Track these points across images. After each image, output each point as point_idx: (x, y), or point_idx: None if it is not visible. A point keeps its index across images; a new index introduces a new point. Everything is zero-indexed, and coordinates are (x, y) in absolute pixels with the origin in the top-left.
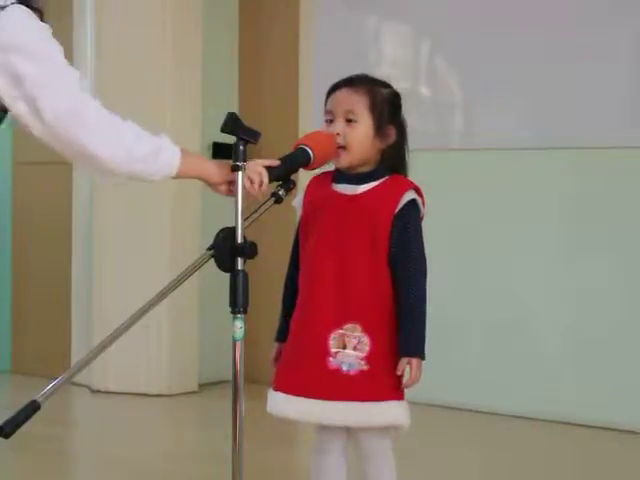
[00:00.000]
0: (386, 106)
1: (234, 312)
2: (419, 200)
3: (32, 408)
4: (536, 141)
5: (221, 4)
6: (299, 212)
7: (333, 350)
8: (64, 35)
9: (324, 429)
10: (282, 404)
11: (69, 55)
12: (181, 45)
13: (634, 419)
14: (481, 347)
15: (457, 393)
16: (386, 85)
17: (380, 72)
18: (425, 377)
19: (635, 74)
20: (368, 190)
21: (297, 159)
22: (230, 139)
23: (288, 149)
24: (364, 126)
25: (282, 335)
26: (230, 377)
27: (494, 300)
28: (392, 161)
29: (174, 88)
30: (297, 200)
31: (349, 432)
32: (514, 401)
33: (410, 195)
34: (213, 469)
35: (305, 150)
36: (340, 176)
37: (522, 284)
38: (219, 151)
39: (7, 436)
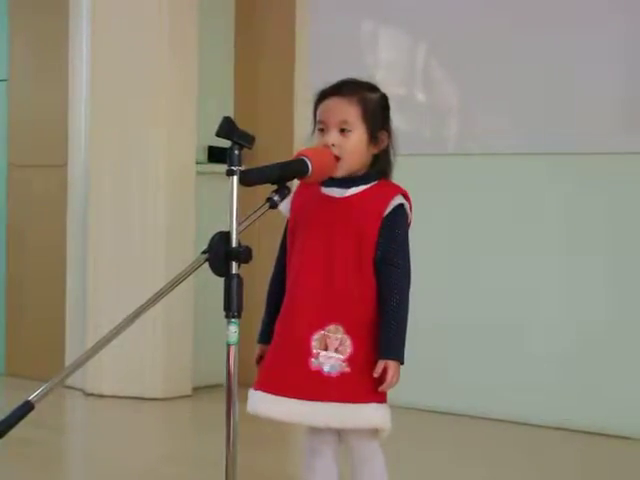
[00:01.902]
0: (378, 112)
1: (228, 316)
2: (407, 205)
3: (26, 408)
4: (532, 147)
5: (217, 8)
6: (287, 216)
7: (315, 351)
8: (60, 35)
9: (315, 431)
10: (262, 403)
11: (64, 55)
12: (177, 49)
13: (630, 425)
14: (476, 351)
15: (452, 398)
16: (374, 88)
17: (376, 77)
18: (420, 381)
19: (630, 81)
20: (356, 193)
21: (295, 167)
22: (225, 143)
23: (283, 153)
24: (358, 135)
25: (264, 337)
26: (224, 381)
27: (490, 303)
28: (383, 165)
29: (170, 92)
30: (284, 205)
31: (340, 434)
32: (510, 405)
33: (398, 200)
34: (207, 473)
35: (305, 162)
36: (329, 180)
37: (518, 287)
38: (214, 155)
39: (0, 436)
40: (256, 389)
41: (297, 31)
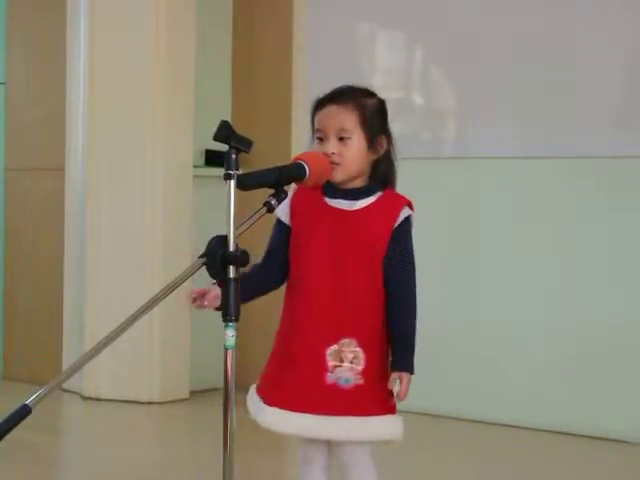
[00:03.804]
0: (376, 117)
1: (225, 320)
2: (412, 216)
3: (23, 412)
4: (529, 150)
5: (215, 11)
6: (284, 220)
7: (330, 365)
8: (57, 38)
9: (309, 440)
10: (279, 419)
11: (62, 58)
12: (174, 52)
13: (629, 429)
14: (475, 355)
15: (452, 402)
16: (370, 94)
17: (374, 80)
18: (421, 386)
19: (625, 86)
20: (365, 207)
21: (293, 172)
22: (223, 147)
23: (280, 157)
24: (358, 142)
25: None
26: (221, 385)
27: (489, 306)
28: (384, 171)
29: (167, 95)
30: (281, 209)
31: (331, 443)
32: (509, 410)
33: (406, 212)
34: (204, 477)
35: (302, 166)
36: (332, 190)
37: (518, 290)
38: (212, 159)
39: None
40: (270, 405)
41: (295, 34)
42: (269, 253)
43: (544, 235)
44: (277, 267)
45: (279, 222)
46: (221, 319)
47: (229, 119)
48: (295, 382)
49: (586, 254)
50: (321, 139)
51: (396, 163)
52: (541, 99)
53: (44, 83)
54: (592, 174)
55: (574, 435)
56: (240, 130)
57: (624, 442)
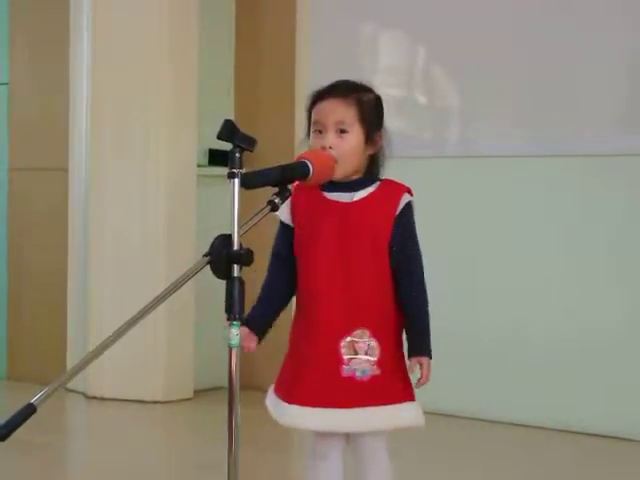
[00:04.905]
0: (374, 113)
1: (230, 319)
2: (412, 201)
3: (28, 411)
4: (532, 149)
5: (217, 11)
6: (289, 224)
7: (345, 357)
8: (60, 38)
9: (322, 435)
10: (299, 417)
11: (65, 58)
12: (177, 52)
13: (632, 427)
14: (478, 356)
15: (452, 402)
16: (368, 89)
17: (376, 79)
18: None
19: (631, 83)
20: (365, 197)
21: (297, 170)
22: (227, 146)
23: (283, 156)
24: (356, 136)
25: (252, 323)
26: (225, 383)
27: (491, 306)
28: (380, 166)
29: (170, 95)
30: (281, 210)
31: (348, 436)
32: (511, 409)
33: (407, 198)
34: (208, 476)
35: (306, 164)
36: (331, 185)
37: (520, 290)
38: (215, 158)
39: (3, 438)
40: (290, 403)
41: (297, 33)
42: (276, 257)
43: (548, 234)
44: (287, 271)
45: (282, 224)
46: (225, 318)
47: (232, 118)
48: (312, 378)
49: (589, 253)
50: (320, 132)
51: (383, 160)
52: (545, 97)
53: (47, 83)
54: (596, 172)
55: (582, 434)
56: (243, 129)
57: (631, 440)
